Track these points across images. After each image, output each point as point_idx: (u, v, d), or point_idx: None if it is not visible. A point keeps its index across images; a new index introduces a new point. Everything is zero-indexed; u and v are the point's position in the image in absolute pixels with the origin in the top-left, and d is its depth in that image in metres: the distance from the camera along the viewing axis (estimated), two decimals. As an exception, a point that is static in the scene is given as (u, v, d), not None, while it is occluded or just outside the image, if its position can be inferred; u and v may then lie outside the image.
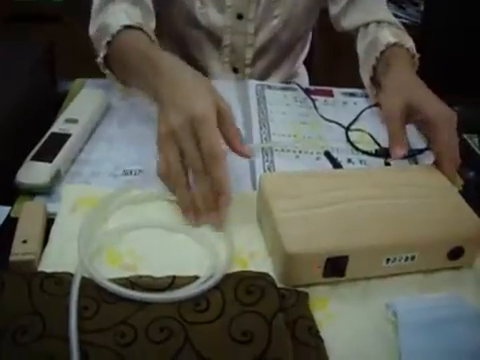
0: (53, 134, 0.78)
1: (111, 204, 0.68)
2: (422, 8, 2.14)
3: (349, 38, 1.12)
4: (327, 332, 0.55)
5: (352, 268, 0.61)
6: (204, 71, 1.14)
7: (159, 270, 0.59)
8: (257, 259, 0.64)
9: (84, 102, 0.88)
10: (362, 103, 1.02)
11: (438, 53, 1.83)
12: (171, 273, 0.59)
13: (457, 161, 0.73)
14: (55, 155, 0.73)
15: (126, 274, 0.58)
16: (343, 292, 0.61)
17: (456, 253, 0.64)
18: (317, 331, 0.55)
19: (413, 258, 0.62)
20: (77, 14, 1.24)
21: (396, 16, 1.09)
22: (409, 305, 0.59)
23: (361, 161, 0.86)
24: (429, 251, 0.63)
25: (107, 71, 0.86)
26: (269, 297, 0.56)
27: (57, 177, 0.72)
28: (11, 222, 0.65)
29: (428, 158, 0.84)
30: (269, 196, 0.65)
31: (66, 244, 0.62)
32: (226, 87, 0.74)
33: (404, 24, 1.06)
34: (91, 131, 0.85)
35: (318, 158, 0.85)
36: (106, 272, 0.58)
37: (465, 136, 0.94)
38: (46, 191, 0.71)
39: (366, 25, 1.06)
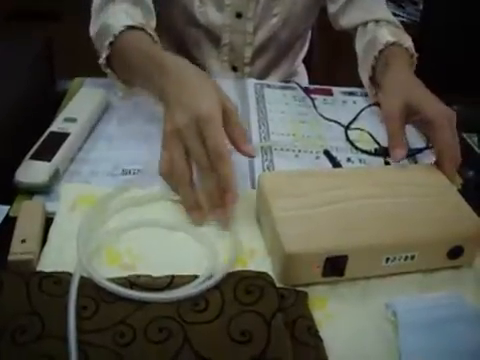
0: (52, 133, 0.78)
1: (110, 203, 0.68)
2: (421, 7, 2.14)
3: (348, 37, 1.12)
4: (326, 332, 0.55)
5: (351, 268, 0.60)
6: (203, 70, 1.14)
7: (158, 269, 0.59)
8: (256, 258, 0.64)
9: (83, 101, 0.87)
10: (361, 102, 1.02)
11: (437, 52, 1.83)
12: (170, 272, 0.58)
13: (458, 160, 0.73)
14: (54, 154, 0.73)
15: (125, 273, 0.58)
16: (342, 292, 0.61)
17: (456, 252, 0.64)
18: (316, 331, 0.54)
19: (413, 257, 0.62)
20: (77, 13, 1.23)
21: (395, 15, 1.09)
22: (409, 305, 0.59)
23: (360, 160, 0.86)
24: (429, 250, 0.63)
25: (109, 71, 0.86)
26: (268, 297, 0.56)
27: (56, 176, 0.72)
28: (10, 221, 0.65)
29: (428, 157, 0.85)
30: (268, 195, 0.65)
31: (65, 243, 0.62)
32: (225, 86, 0.74)
33: (403, 23, 1.06)
34: (90, 130, 0.84)
35: (317, 157, 0.85)
36: (105, 272, 0.58)
37: (464, 135, 0.93)
38: (45, 190, 0.71)
39: (365, 24, 1.06)
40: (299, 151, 0.86)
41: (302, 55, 1.33)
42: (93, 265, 0.58)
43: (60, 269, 0.58)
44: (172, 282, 0.57)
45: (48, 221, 0.66)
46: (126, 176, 0.76)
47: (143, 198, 0.70)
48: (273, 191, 0.66)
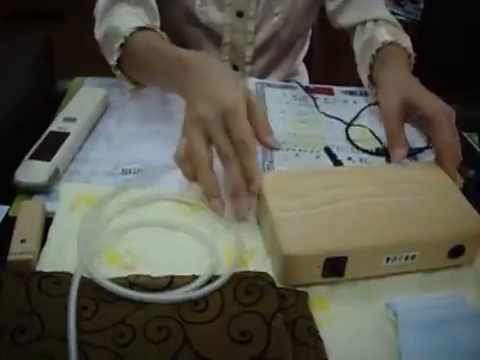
0: (52, 133, 0.77)
1: (110, 203, 0.68)
2: (421, 6, 2.14)
3: (348, 35, 1.12)
4: (327, 332, 0.55)
5: (351, 268, 0.60)
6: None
7: (158, 269, 0.59)
8: (257, 258, 0.64)
9: (83, 100, 0.87)
10: (362, 101, 1.02)
11: (437, 51, 1.83)
12: (170, 272, 0.58)
13: (458, 158, 0.73)
14: (54, 154, 0.73)
15: (125, 273, 0.58)
16: (343, 292, 0.61)
17: (457, 251, 0.63)
18: (317, 331, 0.54)
19: (413, 257, 0.62)
20: (78, 13, 1.24)
21: (395, 14, 1.09)
22: (409, 304, 0.58)
23: (361, 160, 0.85)
24: (430, 250, 0.63)
25: (119, 73, 0.86)
26: (268, 297, 0.55)
27: (56, 176, 0.72)
28: (9, 221, 0.65)
29: (428, 157, 0.84)
30: (267, 195, 0.65)
31: (64, 243, 0.62)
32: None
33: (403, 22, 1.06)
34: (90, 130, 0.84)
35: (318, 156, 0.84)
36: (105, 272, 0.58)
37: (465, 134, 0.93)
38: (44, 190, 0.70)
39: (363, 23, 1.06)
40: (299, 150, 0.86)
41: (303, 54, 1.33)
42: (93, 265, 0.58)
43: (60, 269, 0.57)
44: (172, 282, 0.57)
45: (48, 221, 0.66)
46: (126, 176, 0.76)
47: (143, 198, 0.69)
48: (272, 191, 0.66)
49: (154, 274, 0.58)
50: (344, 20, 1.10)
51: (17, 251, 0.59)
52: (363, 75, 1.00)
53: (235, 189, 0.65)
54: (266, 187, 0.66)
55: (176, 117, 0.88)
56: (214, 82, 0.68)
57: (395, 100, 0.80)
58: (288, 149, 0.86)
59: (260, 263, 0.63)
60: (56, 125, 0.79)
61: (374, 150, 0.87)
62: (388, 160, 0.82)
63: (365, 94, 1.03)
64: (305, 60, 1.37)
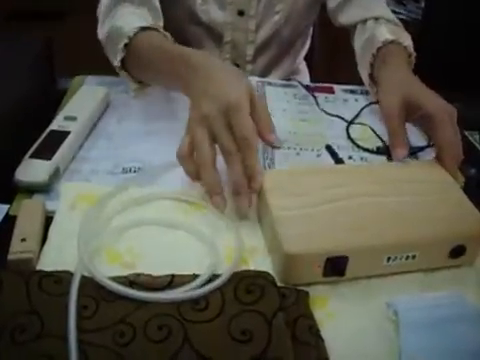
0: (52, 131, 0.77)
1: (110, 202, 0.68)
2: (422, 4, 2.14)
3: (349, 34, 1.12)
4: (328, 331, 0.55)
5: (352, 267, 0.60)
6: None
7: (159, 268, 0.59)
8: (257, 257, 0.64)
9: (83, 99, 0.87)
10: (363, 100, 1.02)
11: (438, 50, 1.83)
12: (171, 271, 0.58)
13: (460, 156, 0.73)
14: (54, 153, 0.73)
15: (125, 272, 0.58)
16: (343, 291, 0.61)
17: (458, 251, 0.63)
18: (317, 330, 0.54)
19: (414, 257, 0.62)
20: (78, 12, 1.24)
21: (396, 12, 1.09)
22: (410, 304, 0.58)
23: (362, 158, 0.85)
24: (430, 250, 0.62)
25: (123, 72, 0.86)
26: (269, 296, 0.55)
27: (56, 175, 0.72)
28: (9, 220, 0.65)
29: (429, 156, 0.84)
30: (268, 193, 0.65)
31: (65, 242, 0.62)
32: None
33: (405, 20, 1.06)
34: (90, 128, 0.84)
35: (319, 155, 0.84)
36: (105, 270, 0.58)
37: (466, 133, 0.93)
38: (45, 189, 0.70)
39: (364, 21, 1.06)
40: (300, 149, 0.85)
41: (303, 53, 1.33)
42: (94, 264, 0.58)
43: (60, 268, 0.57)
44: (172, 281, 0.57)
45: (48, 220, 0.66)
46: (126, 174, 0.76)
47: (143, 197, 0.69)
48: (273, 189, 0.66)
49: (154, 273, 0.58)
50: (345, 18, 1.10)
51: (17, 250, 0.59)
52: (364, 74, 1.00)
53: (236, 186, 0.65)
54: (267, 185, 0.66)
55: (177, 116, 0.88)
56: (218, 81, 0.68)
57: (396, 98, 0.79)
58: (289, 148, 0.85)
59: (261, 262, 0.63)
60: (56, 124, 0.79)
61: (375, 149, 0.87)
62: (389, 159, 0.82)
63: (366, 93, 1.03)
64: (306, 58, 1.37)
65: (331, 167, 0.78)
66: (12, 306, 0.52)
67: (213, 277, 0.57)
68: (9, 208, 0.68)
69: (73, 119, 0.80)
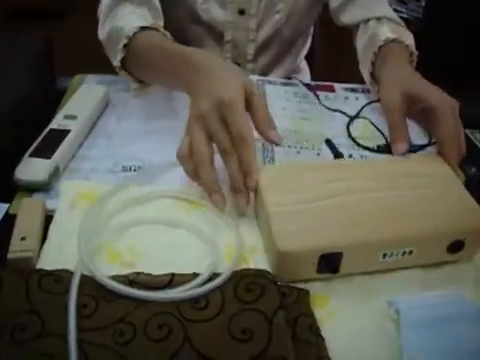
0: (52, 130, 0.77)
1: (110, 201, 0.68)
2: (423, 3, 2.14)
3: (350, 33, 1.12)
4: (328, 330, 0.55)
5: (347, 264, 0.60)
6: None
7: (159, 267, 0.59)
8: (257, 256, 0.63)
9: (83, 98, 0.87)
10: (364, 98, 1.01)
11: (439, 48, 1.83)
12: (171, 270, 0.58)
13: (462, 150, 0.72)
14: (54, 151, 0.73)
15: (125, 271, 0.58)
16: (343, 290, 0.60)
17: (456, 247, 0.63)
18: (318, 329, 0.54)
19: (411, 252, 0.61)
20: (78, 11, 1.23)
21: (397, 11, 1.09)
22: (411, 302, 0.58)
23: (362, 156, 0.85)
24: (428, 245, 0.62)
25: (123, 72, 0.86)
26: (269, 295, 0.55)
27: (56, 173, 0.71)
28: (9, 219, 0.65)
29: (430, 154, 0.84)
30: (264, 190, 0.65)
31: (65, 241, 0.62)
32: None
33: (405, 19, 1.06)
34: (90, 127, 0.84)
35: (319, 154, 0.84)
36: (105, 269, 0.58)
37: (467, 131, 0.93)
38: (45, 188, 0.70)
39: (366, 21, 1.06)
40: (301, 147, 0.85)
41: (304, 52, 1.33)
42: (94, 263, 0.58)
43: (60, 267, 0.57)
44: (172, 280, 0.57)
45: (48, 219, 0.65)
46: (126, 173, 0.75)
47: (143, 195, 0.69)
48: (270, 186, 0.65)
49: (155, 272, 0.58)
50: (347, 18, 1.10)
51: (17, 249, 0.59)
52: (365, 72, 1.00)
53: (233, 184, 0.66)
54: (263, 181, 0.66)
55: (177, 114, 0.88)
56: (217, 79, 0.68)
57: (396, 94, 0.79)
58: (289, 146, 0.85)
59: (261, 261, 0.62)
60: (56, 123, 0.79)
61: (376, 147, 0.86)
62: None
63: (367, 91, 1.03)
64: (307, 57, 1.37)
65: (329, 162, 0.78)
66: (12, 305, 0.52)
67: (213, 276, 0.57)
68: (9, 207, 0.68)
69: (73, 118, 0.80)
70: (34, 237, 0.61)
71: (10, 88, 0.79)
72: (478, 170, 0.82)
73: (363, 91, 1.04)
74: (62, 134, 0.76)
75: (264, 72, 1.20)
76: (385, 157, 0.82)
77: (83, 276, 0.55)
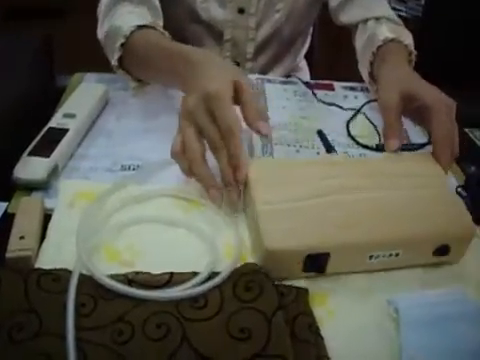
0: (51, 129, 0.77)
1: (109, 200, 0.68)
2: (423, 2, 2.13)
3: (349, 32, 1.12)
4: (327, 329, 0.55)
5: (334, 264, 0.60)
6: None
7: (157, 266, 0.58)
8: (256, 255, 0.63)
9: (82, 96, 0.87)
10: (363, 97, 1.02)
11: (439, 47, 1.83)
12: (170, 269, 0.58)
13: (455, 150, 0.72)
14: (52, 150, 0.72)
15: (124, 270, 0.58)
16: (343, 288, 0.60)
17: (442, 251, 0.63)
18: (317, 328, 0.54)
19: (398, 255, 0.61)
20: (77, 10, 1.23)
21: (397, 9, 1.09)
22: (411, 302, 0.58)
23: (361, 155, 0.85)
24: (414, 249, 0.62)
25: (121, 71, 0.86)
26: (268, 294, 0.55)
27: (54, 172, 0.71)
28: (8, 218, 0.65)
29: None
30: (253, 185, 0.64)
31: (63, 240, 0.61)
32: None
33: (405, 18, 1.06)
34: (89, 126, 0.84)
35: (318, 153, 0.84)
36: (104, 268, 0.57)
37: (466, 130, 0.93)
38: (43, 186, 0.70)
39: (365, 21, 1.06)
40: (300, 146, 0.85)
41: (304, 51, 1.33)
42: (93, 262, 0.58)
43: (58, 266, 0.57)
44: (171, 279, 0.56)
45: (47, 217, 0.65)
46: (125, 172, 0.75)
47: (142, 194, 0.69)
48: (259, 181, 0.65)
49: (153, 271, 0.58)
50: (346, 18, 1.10)
51: (16, 248, 0.59)
52: (364, 72, 1.00)
53: (223, 177, 0.65)
54: (253, 176, 0.65)
55: (176, 113, 0.87)
56: (208, 77, 0.68)
57: (394, 93, 0.79)
58: (289, 145, 0.85)
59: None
60: (55, 121, 0.79)
61: (374, 146, 0.86)
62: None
63: (366, 90, 1.03)
64: (306, 57, 1.37)
65: (321, 159, 0.78)
66: (10, 304, 0.52)
67: (212, 275, 0.57)
68: (7, 206, 0.67)
69: (72, 116, 0.80)
70: (33, 236, 0.61)
71: (9, 86, 0.79)
72: (477, 169, 0.82)
73: (362, 90, 1.04)
74: (61, 133, 0.76)
75: (263, 71, 1.20)
76: (379, 155, 0.82)
77: (82, 275, 0.55)
